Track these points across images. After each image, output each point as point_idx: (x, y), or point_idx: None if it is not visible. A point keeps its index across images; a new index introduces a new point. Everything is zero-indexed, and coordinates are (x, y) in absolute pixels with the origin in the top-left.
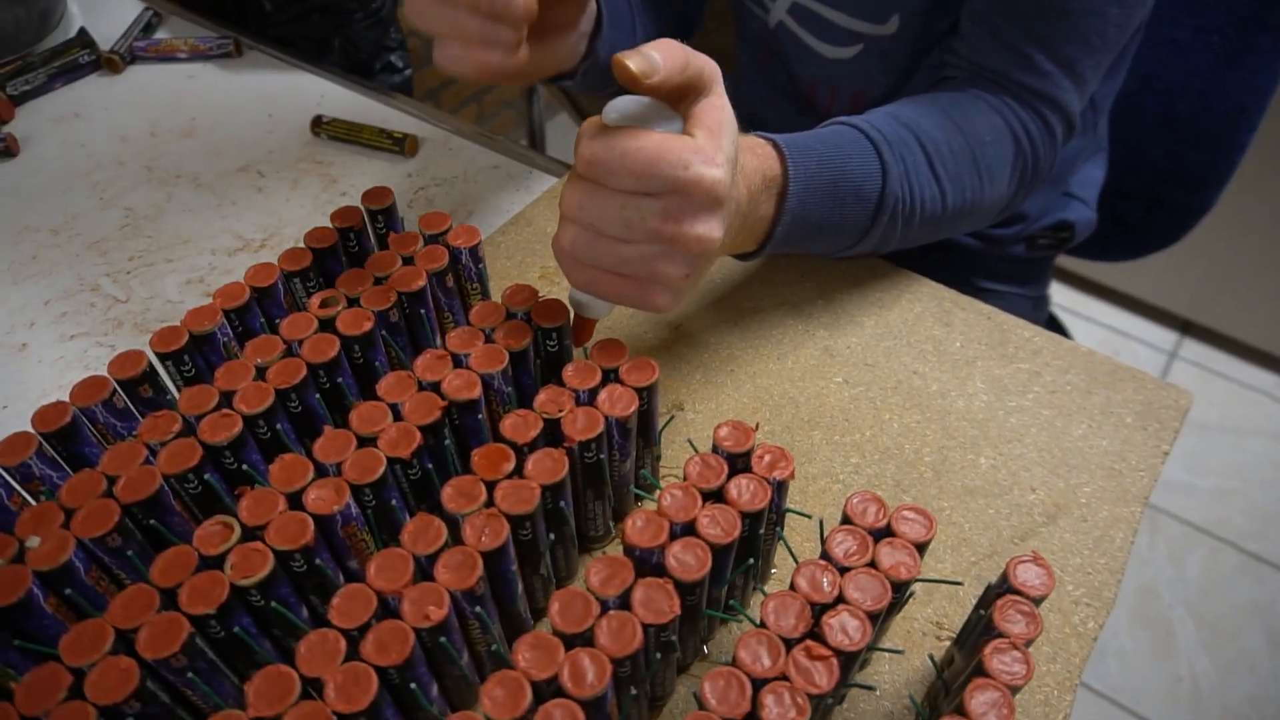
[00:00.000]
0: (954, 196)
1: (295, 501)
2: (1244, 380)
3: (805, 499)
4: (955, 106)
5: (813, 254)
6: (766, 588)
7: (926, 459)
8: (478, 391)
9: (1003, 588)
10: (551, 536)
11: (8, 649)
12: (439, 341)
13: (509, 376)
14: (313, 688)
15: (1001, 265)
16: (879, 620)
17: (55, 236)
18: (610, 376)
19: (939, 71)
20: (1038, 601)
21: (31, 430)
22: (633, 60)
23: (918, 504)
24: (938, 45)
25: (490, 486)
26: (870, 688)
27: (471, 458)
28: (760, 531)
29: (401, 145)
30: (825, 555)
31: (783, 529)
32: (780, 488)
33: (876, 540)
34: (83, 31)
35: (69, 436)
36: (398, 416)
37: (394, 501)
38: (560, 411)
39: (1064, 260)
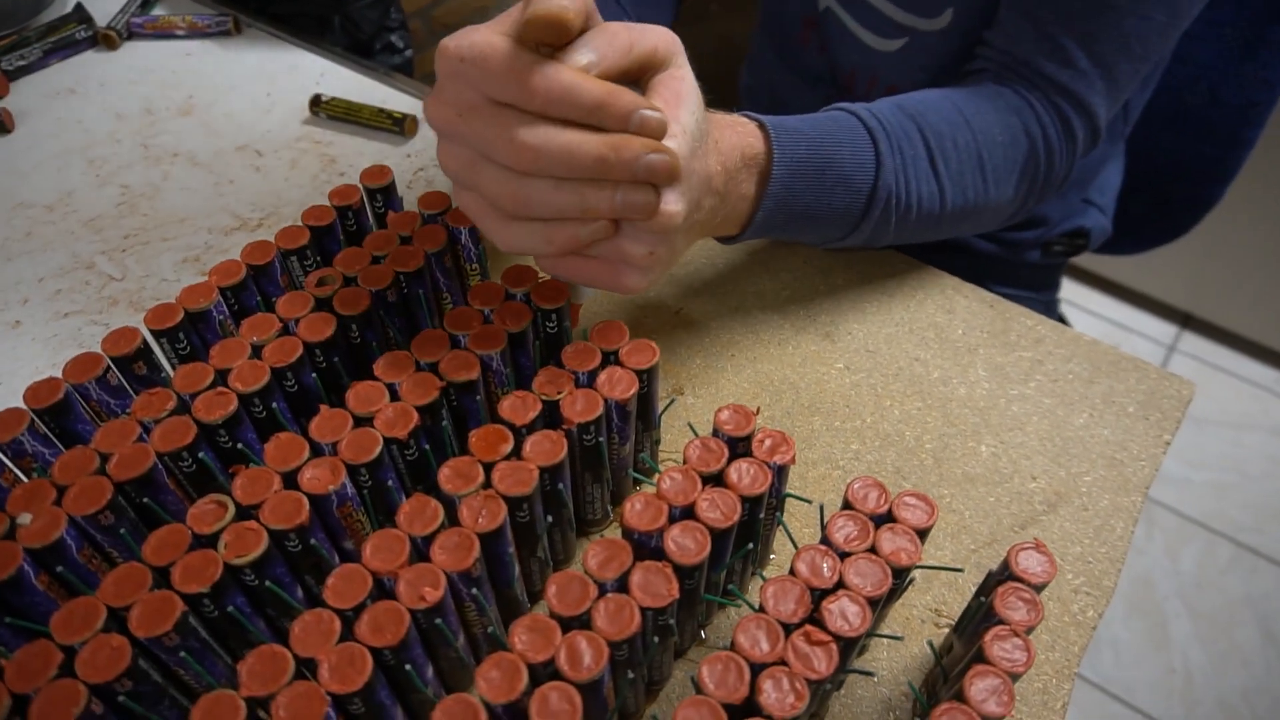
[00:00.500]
0: (954, 195)
1: (290, 481)
2: (1243, 374)
3: (805, 485)
4: (969, 101)
5: (803, 243)
6: (765, 573)
7: (927, 446)
8: (476, 372)
9: (1004, 574)
10: (549, 519)
11: None
12: (438, 322)
13: (508, 358)
14: (307, 668)
15: (1016, 271)
16: (879, 606)
17: (50, 213)
18: (610, 359)
19: (967, 65)
20: (1039, 589)
21: (24, 406)
22: (544, 4)
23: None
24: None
25: (488, 468)
26: (869, 674)
27: (469, 439)
28: (760, 516)
29: (401, 125)
30: (826, 540)
31: (783, 514)
32: (781, 472)
33: (878, 525)
34: (79, 7)
35: (62, 413)
36: (395, 396)
37: (390, 482)
38: (559, 393)
39: None
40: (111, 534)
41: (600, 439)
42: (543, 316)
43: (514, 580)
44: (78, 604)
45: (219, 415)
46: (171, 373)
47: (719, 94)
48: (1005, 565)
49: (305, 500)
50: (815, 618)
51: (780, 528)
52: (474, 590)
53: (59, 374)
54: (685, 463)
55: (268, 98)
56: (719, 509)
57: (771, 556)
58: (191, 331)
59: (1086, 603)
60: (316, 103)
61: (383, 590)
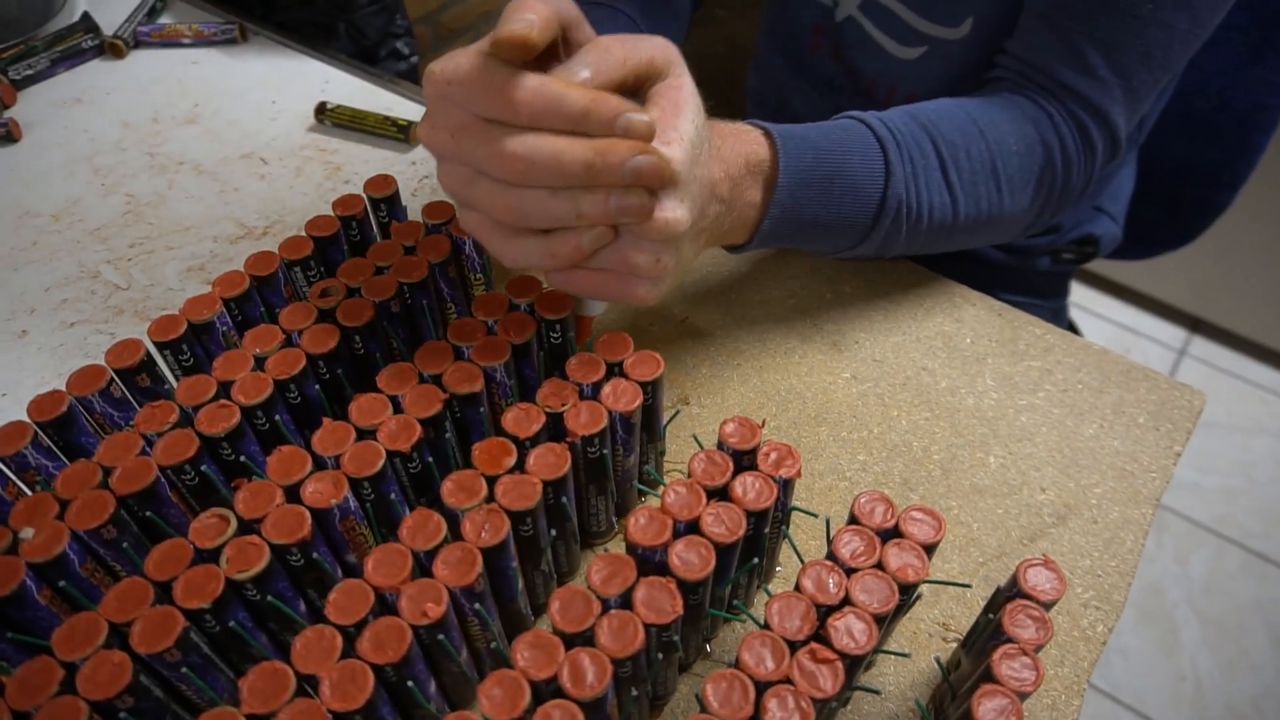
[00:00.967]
0: (967, 206)
1: (293, 494)
2: (1253, 379)
3: (811, 496)
4: (984, 111)
5: (812, 252)
6: (771, 587)
7: (935, 457)
8: (479, 384)
9: (1012, 591)
10: (553, 533)
11: (0, 641)
12: (441, 333)
13: (511, 369)
14: (308, 684)
15: (1025, 278)
16: (886, 623)
17: (56, 223)
18: (614, 370)
19: (985, 74)
20: (1048, 606)
21: (27, 419)
22: (508, 27)
23: (925, 503)
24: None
25: (491, 481)
26: (875, 691)
27: (472, 452)
28: (765, 530)
29: (406, 133)
30: (832, 556)
31: (788, 527)
32: (786, 486)
33: (884, 541)
34: (86, 16)
35: (65, 426)
36: (398, 409)
37: (393, 495)
38: (563, 405)
39: None
40: (114, 548)
41: (605, 451)
42: (547, 327)
43: (517, 594)
44: (79, 620)
45: (222, 428)
46: (175, 385)
47: (726, 97)
48: (1014, 581)
49: (307, 514)
50: (821, 635)
51: (786, 541)
52: (477, 606)
53: (64, 384)
54: (690, 476)
55: (273, 105)
56: (724, 524)
57: (777, 570)
58: (195, 343)
59: (1096, 617)
60: (322, 110)
61: (385, 606)
